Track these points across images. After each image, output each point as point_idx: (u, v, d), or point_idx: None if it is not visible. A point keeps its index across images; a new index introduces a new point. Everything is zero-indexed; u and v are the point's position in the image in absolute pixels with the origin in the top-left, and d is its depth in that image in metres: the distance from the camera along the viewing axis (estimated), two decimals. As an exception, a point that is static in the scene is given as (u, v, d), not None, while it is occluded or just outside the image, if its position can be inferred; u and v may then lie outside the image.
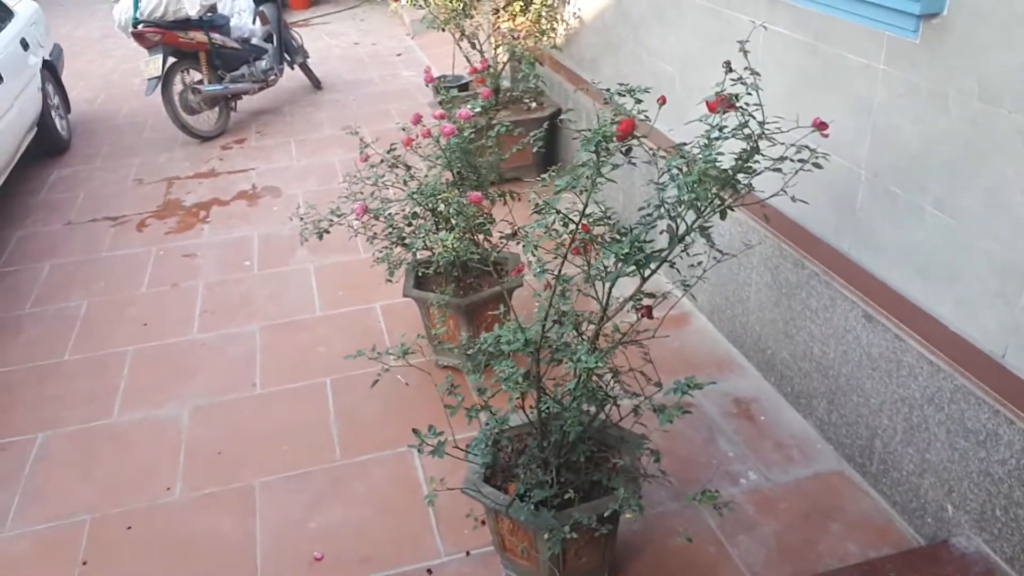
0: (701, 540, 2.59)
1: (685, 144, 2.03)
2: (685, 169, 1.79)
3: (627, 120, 1.88)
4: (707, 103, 1.88)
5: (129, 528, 2.76)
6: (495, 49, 5.34)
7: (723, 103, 1.84)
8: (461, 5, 4.70)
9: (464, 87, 6.11)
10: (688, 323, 3.73)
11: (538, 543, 2.19)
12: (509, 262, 3.43)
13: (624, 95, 2.03)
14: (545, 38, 4.97)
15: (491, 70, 3.18)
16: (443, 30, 4.77)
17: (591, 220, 1.99)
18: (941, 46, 2.27)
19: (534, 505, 2.11)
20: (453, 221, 3.00)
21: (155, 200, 5.28)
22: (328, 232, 3.21)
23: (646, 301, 2.15)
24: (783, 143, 1.92)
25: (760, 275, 3.23)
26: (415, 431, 2.05)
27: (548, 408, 2.09)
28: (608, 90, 2.03)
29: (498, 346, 2.06)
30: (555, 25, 4.97)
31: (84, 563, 2.64)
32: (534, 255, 1.92)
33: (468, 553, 2.58)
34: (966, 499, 2.32)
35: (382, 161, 3.30)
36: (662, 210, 1.91)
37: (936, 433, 2.39)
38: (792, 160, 2.04)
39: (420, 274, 3.35)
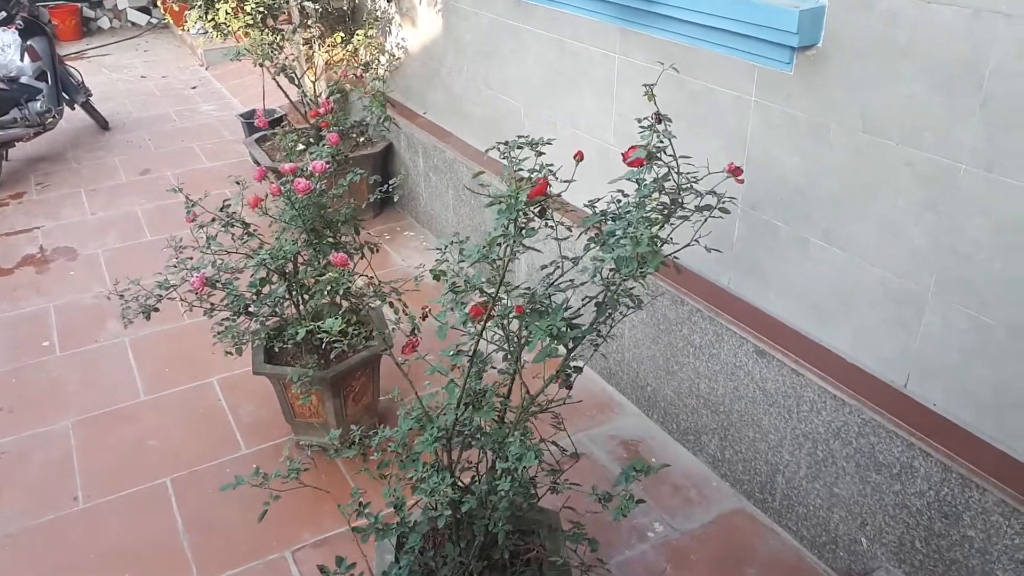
0: (624, 611, 2.42)
1: (595, 201, 1.83)
2: (621, 235, 1.60)
3: (541, 183, 1.66)
4: (625, 159, 1.70)
5: None
6: (313, 83, 4.97)
7: (650, 159, 1.67)
8: (274, 38, 4.30)
9: (277, 121, 5.67)
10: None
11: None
12: (372, 320, 3.10)
13: (522, 147, 1.81)
14: (367, 70, 4.68)
15: (334, 112, 2.85)
16: (260, 65, 4.34)
17: (509, 290, 1.75)
18: (818, 78, 2.24)
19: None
20: (310, 284, 2.66)
21: (-87, 275, 4.42)
22: (157, 310, 2.74)
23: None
24: (701, 191, 1.79)
25: (634, 312, 3.12)
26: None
27: (469, 508, 1.82)
28: (505, 143, 1.80)
29: (406, 447, 1.77)
30: (379, 57, 4.68)
31: None
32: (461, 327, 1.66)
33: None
34: (881, 532, 2.30)
35: (213, 220, 2.87)
36: (595, 279, 1.71)
37: (844, 467, 2.36)
38: (698, 209, 1.90)
39: (271, 346, 2.95)
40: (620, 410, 3.28)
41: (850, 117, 2.18)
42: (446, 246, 1.79)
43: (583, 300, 1.98)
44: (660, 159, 1.68)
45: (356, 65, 4.56)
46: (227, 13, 4.00)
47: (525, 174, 1.80)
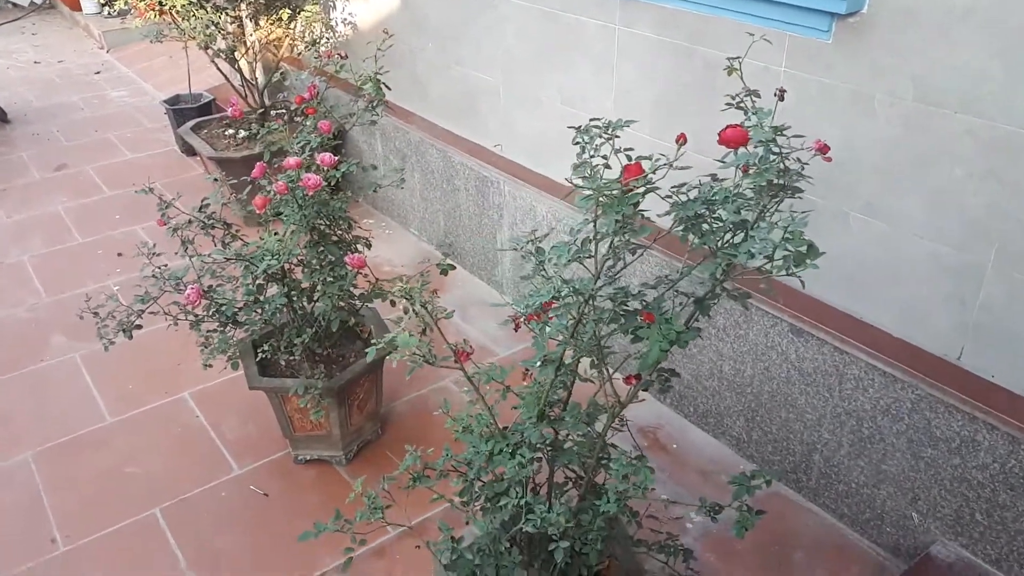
0: (682, 610, 2.31)
1: (680, 186, 1.69)
2: (764, 229, 1.46)
3: (635, 169, 1.50)
4: (723, 137, 1.56)
5: None
6: (251, 65, 4.61)
7: (768, 144, 1.53)
8: (218, 18, 3.94)
9: (206, 107, 5.28)
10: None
11: None
12: (367, 319, 2.88)
13: (598, 127, 1.63)
14: (312, 48, 4.37)
15: (317, 97, 2.58)
16: (205, 48, 3.97)
17: (601, 292, 1.59)
18: (861, 46, 2.16)
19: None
20: (319, 287, 2.42)
21: None
22: (139, 327, 2.44)
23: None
24: (804, 174, 1.66)
25: (642, 294, 3.02)
26: None
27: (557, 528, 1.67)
28: (577, 128, 1.62)
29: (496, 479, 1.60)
30: (324, 34, 4.37)
31: None
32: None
33: None
34: (936, 506, 2.28)
35: (191, 221, 2.58)
36: (717, 274, 1.57)
37: (895, 443, 2.32)
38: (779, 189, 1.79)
39: (275, 358, 2.69)
40: (628, 396, 3.17)
41: (900, 86, 2.11)
42: (521, 246, 1.61)
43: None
44: (776, 142, 1.55)
45: (305, 44, 4.25)
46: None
47: (600, 162, 1.63)
